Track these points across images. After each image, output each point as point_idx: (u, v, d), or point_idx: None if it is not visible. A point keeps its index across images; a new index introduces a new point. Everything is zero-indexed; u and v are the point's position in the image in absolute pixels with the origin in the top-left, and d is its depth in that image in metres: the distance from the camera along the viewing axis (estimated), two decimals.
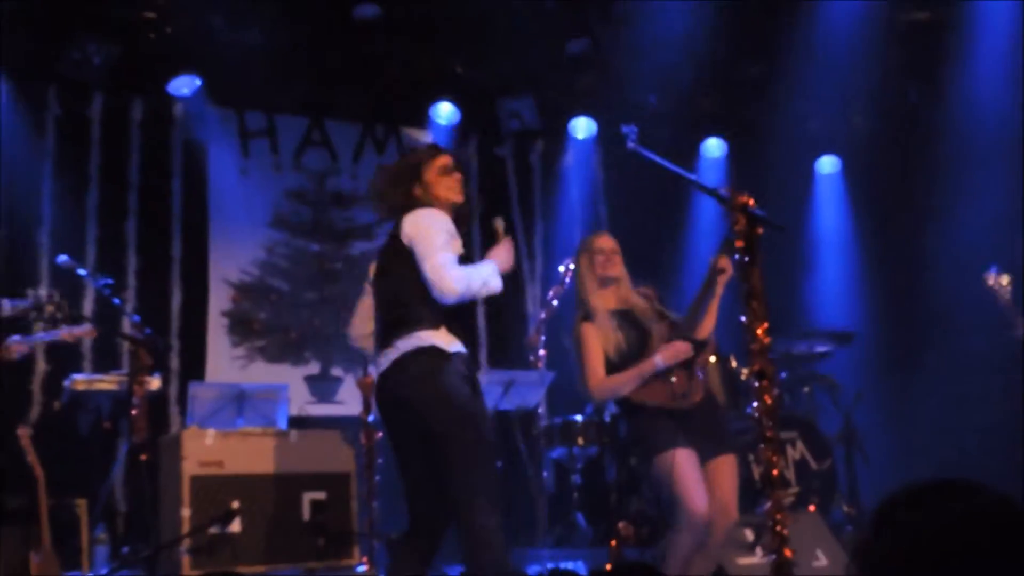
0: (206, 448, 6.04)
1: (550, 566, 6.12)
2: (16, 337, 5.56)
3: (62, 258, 6.10)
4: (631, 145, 4.01)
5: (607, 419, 6.98)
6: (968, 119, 8.14)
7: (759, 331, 3.45)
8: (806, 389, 7.67)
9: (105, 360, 7.42)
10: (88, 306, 7.49)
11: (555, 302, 5.88)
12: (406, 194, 4.11)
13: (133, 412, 5.70)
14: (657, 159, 3.99)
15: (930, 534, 1.48)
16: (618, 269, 4.86)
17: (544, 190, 9.45)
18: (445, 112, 8.77)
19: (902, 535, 1.52)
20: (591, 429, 7.08)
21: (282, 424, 6.77)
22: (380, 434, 6.02)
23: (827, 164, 9.83)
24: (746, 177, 8.75)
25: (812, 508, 6.33)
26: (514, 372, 7.14)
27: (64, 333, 6.10)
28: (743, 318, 3.49)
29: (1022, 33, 7.82)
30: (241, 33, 7.63)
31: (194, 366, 8.05)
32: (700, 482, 4.45)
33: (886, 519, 1.58)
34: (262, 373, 8.30)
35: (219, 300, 8.37)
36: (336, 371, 8.62)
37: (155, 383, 6.55)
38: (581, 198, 9.46)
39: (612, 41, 8.20)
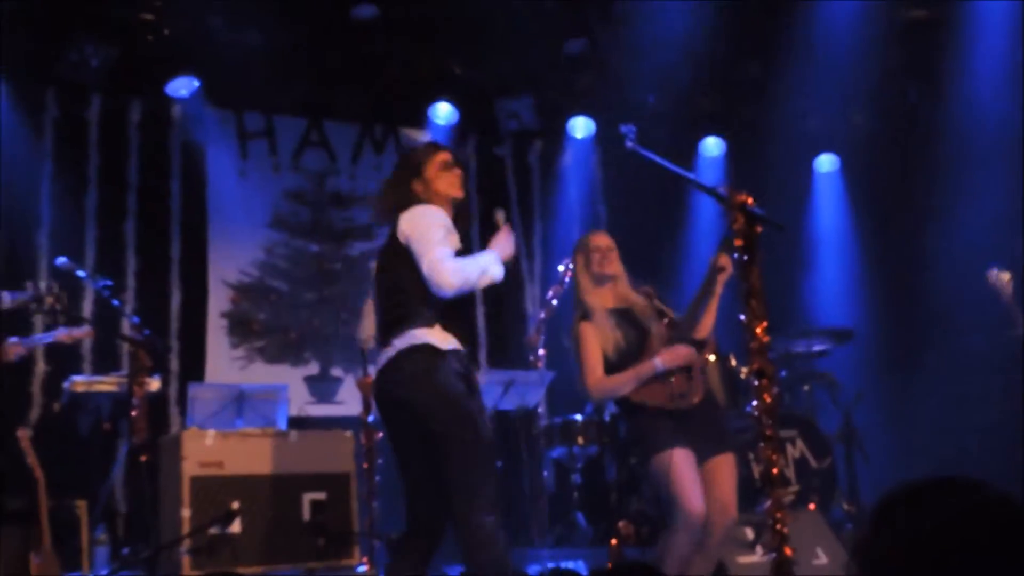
0: (206, 449, 6.04)
1: (550, 565, 6.12)
2: (14, 339, 5.56)
3: (61, 260, 6.10)
4: (630, 144, 4.01)
5: (607, 418, 6.99)
6: (967, 117, 8.14)
7: (758, 330, 3.45)
8: (806, 387, 7.67)
9: (105, 361, 7.41)
10: (87, 307, 7.49)
11: (554, 302, 5.89)
12: (406, 191, 4.11)
13: (133, 413, 5.70)
14: (656, 158, 3.99)
15: (930, 532, 1.48)
16: (615, 266, 4.85)
17: (543, 190, 9.45)
18: (443, 112, 8.77)
19: (902, 533, 1.52)
20: (591, 428, 7.08)
21: (282, 424, 6.77)
22: (380, 434, 6.03)
23: (826, 162, 9.83)
24: (745, 176, 8.75)
25: (812, 506, 6.34)
26: (514, 372, 7.14)
27: (61, 334, 6.10)
28: (742, 316, 3.49)
29: (1021, 31, 7.83)
30: (239, 34, 7.63)
31: (194, 367, 8.05)
32: (696, 482, 4.45)
33: (885, 517, 1.58)
34: (261, 374, 8.30)
35: (218, 301, 8.37)
36: (336, 371, 8.62)
37: (155, 384, 6.55)
38: (580, 198, 9.46)
39: (610, 41, 8.20)
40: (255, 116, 8.72)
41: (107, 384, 6.63)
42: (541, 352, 6.40)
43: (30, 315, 5.74)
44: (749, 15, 8.02)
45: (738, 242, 3.49)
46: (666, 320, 4.79)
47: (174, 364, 7.94)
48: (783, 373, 7.60)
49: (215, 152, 8.50)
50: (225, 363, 8.27)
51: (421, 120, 8.84)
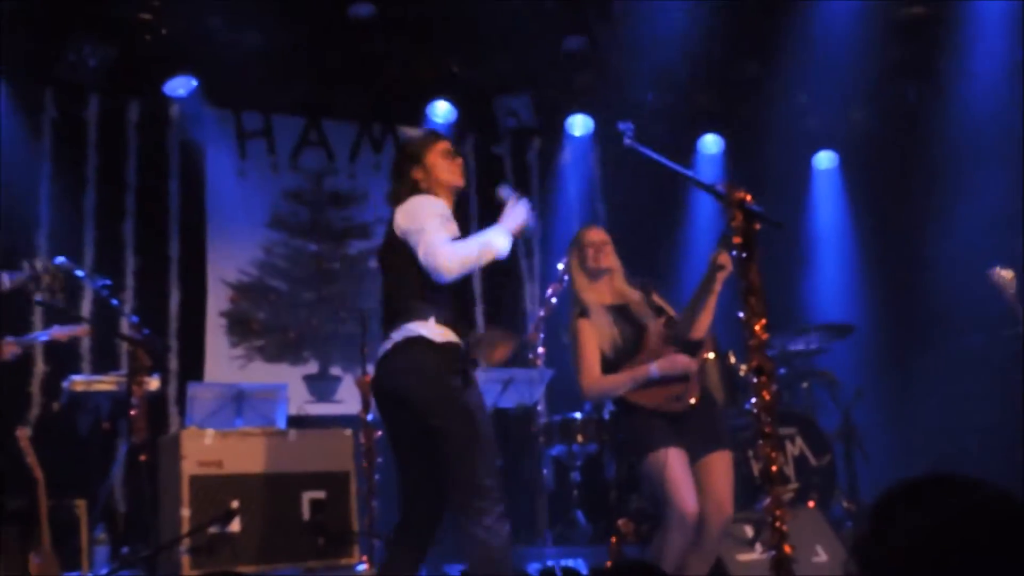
0: (205, 448, 6.04)
1: (550, 563, 6.12)
2: (9, 338, 5.56)
3: (60, 260, 6.09)
4: (628, 142, 4.01)
5: (606, 416, 6.99)
6: (966, 115, 8.14)
7: (757, 327, 3.45)
8: (805, 385, 7.67)
9: (104, 361, 7.42)
10: (86, 307, 7.49)
11: (554, 300, 5.88)
12: (407, 179, 4.11)
13: (132, 412, 5.70)
14: (654, 156, 3.99)
15: (930, 530, 1.47)
16: (610, 260, 4.84)
17: (542, 188, 9.45)
18: (442, 111, 8.77)
19: (901, 531, 1.52)
20: (590, 426, 7.09)
21: (281, 424, 6.77)
22: (379, 433, 6.03)
23: (825, 160, 9.83)
24: (743, 173, 8.75)
25: (811, 504, 6.34)
26: (513, 370, 7.14)
27: (57, 333, 6.10)
28: (741, 314, 3.49)
29: (1020, 29, 7.83)
30: (237, 34, 7.63)
31: (193, 366, 8.05)
32: (689, 482, 4.44)
33: (885, 515, 1.58)
34: (261, 373, 8.30)
35: (217, 300, 8.37)
36: (335, 370, 8.62)
37: (154, 383, 6.55)
38: (579, 196, 9.46)
39: (609, 39, 8.20)
40: (253, 115, 8.72)
41: (106, 383, 6.63)
42: (540, 350, 6.39)
43: (30, 295, 5.71)
44: (748, 13, 8.02)
45: (737, 239, 3.49)
46: (664, 317, 4.79)
47: (173, 363, 7.94)
48: (782, 371, 7.60)
49: (214, 152, 8.50)
50: (224, 362, 8.27)
51: (419, 119, 8.84)
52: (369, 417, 6.17)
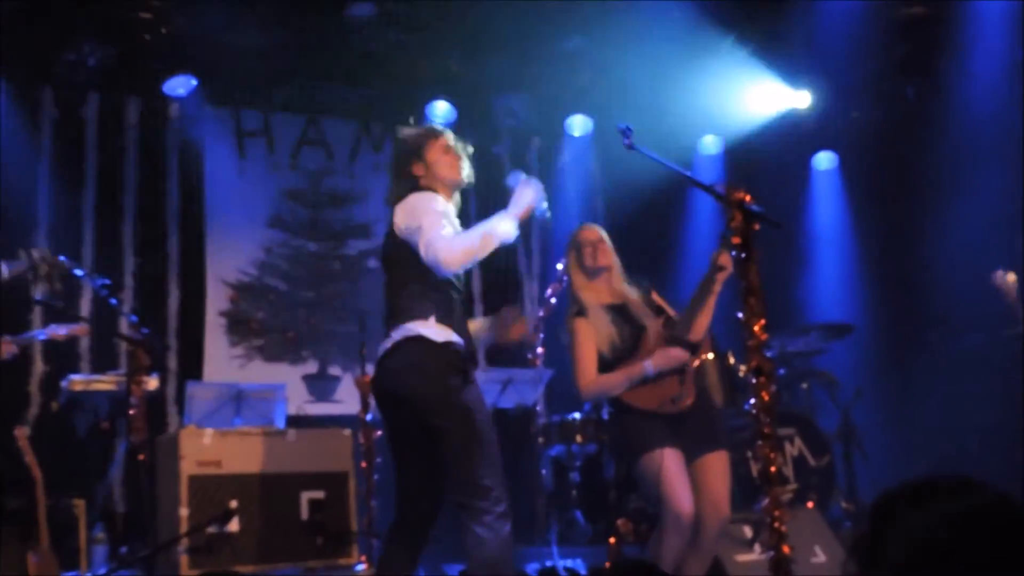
0: (204, 448, 6.04)
1: (549, 564, 6.12)
2: (7, 337, 5.56)
3: (59, 259, 6.09)
4: (628, 142, 4.00)
5: (605, 417, 6.98)
6: (966, 115, 8.13)
7: (756, 327, 3.45)
8: (804, 385, 7.66)
9: (103, 360, 7.42)
10: (85, 306, 7.49)
11: (553, 300, 5.89)
12: (407, 174, 4.08)
13: (131, 412, 5.69)
14: (654, 156, 3.98)
15: (930, 531, 1.47)
16: (607, 258, 4.82)
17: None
18: (441, 110, 8.76)
19: (901, 532, 1.52)
20: (589, 427, 7.08)
21: (280, 423, 6.76)
22: (378, 433, 6.03)
23: (824, 160, 9.83)
24: (742, 174, 8.74)
25: (810, 504, 6.33)
26: (512, 370, 7.14)
27: (54, 332, 6.09)
28: (740, 314, 3.49)
29: (1019, 29, 7.82)
30: (237, 33, 7.62)
31: (192, 366, 8.05)
32: (684, 482, 4.43)
33: (885, 515, 1.58)
34: (260, 372, 8.30)
35: (216, 300, 8.37)
36: (334, 370, 8.62)
37: (153, 383, 6.55)
38: (578, 196, 9.46)
39: (608, 37, 8.18)
40: (253, 115, 8.72)
41: (105, 383, 6.63)
42: (540, 350, 6.40)
43: (29, 288, 5.71)
44: (747, 11, 8.01)
45: (736, 240, 3.49)
46: (663, 317, 4.78)
47: (172, 363, 7.95)
48: (781, 371, 7.59)
49: (213, 151, 8.50)
50: (223, 362, 8.27)
51: (418, 118, 8.83)
52: (368, 417, 6.17)
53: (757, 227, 3.50)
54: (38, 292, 7.01)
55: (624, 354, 4.64)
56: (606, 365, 4.64)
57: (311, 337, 8.64)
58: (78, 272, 6.14)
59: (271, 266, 8.63)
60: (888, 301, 8.92)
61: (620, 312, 4.73)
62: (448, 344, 3.84)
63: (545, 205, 4.06)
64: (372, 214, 8.84)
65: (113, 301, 6.31)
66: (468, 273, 4.13)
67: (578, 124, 9.30)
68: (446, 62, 8.49)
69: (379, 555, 4.05)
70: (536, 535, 7.08)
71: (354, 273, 8.89)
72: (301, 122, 8.91)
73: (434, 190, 4.03)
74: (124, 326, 6.95)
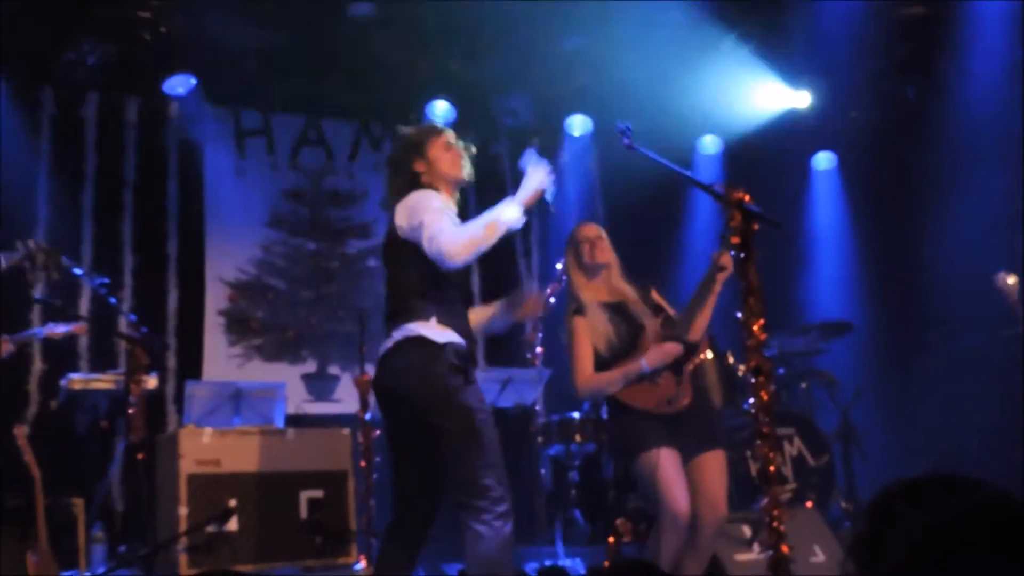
0: (203, 447, 6.04)
1: (548, 563, 6.12)
2: (5, 336, 5.55)
3: (61, 264, 6.08)
4: (627, 142, 4.00)
5: (604, 416, 6.98)
6: (965, 115, 8.14)
7: (755, 327, 3.45)
8: (804, 385, 7.67)
9: (102, 359, 7.42)
10: (84, 305, 7.49)
11: (552, 299, 5.87)
12: (408, 171, 4.06)
13: (130, 411, 5.69)
14: (653, 156, 3.98)
15: (929, 529, 1.47)
16: (606, 255, 4.82)
17: None
18: (441, 110, 8.76)
19: (901, 530, 1.51)
20: (588, 426, 7.09)
21: (279, 422, 6.76)
22: (377, 432, 6.03)
23: (823, 160, 9.83)
24: (742, 173, 8.74)
25: (809, 504, 6.34)
26: (511, 369, 7.15)
27: (51, 331, 6.08)
28: (740, 314, 3.49)
29: (1019, 29, 7.82)
30: (236, 32, 7.62)
31: (191, 365, 8.05)
32: (682, 482, 4.43)
33: (884, 514, 1.57)
34: (259, 372, 8.30)
35: (216, 299, 8.37)
36: (333, 369, 8.62)
37: (152, 382, 6.55)
38: (578, 195, 9.45)
39: (607, 37, 8.18)
40: (253, 114, 8.72)
41: (104, 382, 6.63)
42: (539, 350, 6.39)
43: (27, 276, 5.69)
44: (747, 11, 8.01)
45: (735, 239, 3.49)
46: (661, 316, 4.77)
47: (171, 362, 7.94)
48: (781, 371, 7.60)
49: (212, 150, 8.50)
50: (222, 361, 8.27)
51: (418, 118, 8.83)
52: (367, 416, 6.16)
53: (756, 227, 3.49)
54: (37, 290, 7.02)
55: (622, 353, 4.64)
56: (603, 364, 4.64)
57: (310, 336, 8.64)
58: (77, 271, 6.14)
59: (270, 265, 8.63)
60: (887, 301, 8.93)
61: (618, 310, 4.72)
62: (449, 345, 3.82)
63: (553, 189, 4.00)
64: (371, 213, 8.84)
65: (112, 300, 6.31)
66: (467, 272, 4.12)
67: (578, 124, 9.29)
68: (446, 62, 8.49)
69: (377, 555, 4.05)
70: (536, 534, 7.08)
71: (353, 272, 8.89)
72: (301, 122, 8.92)
73: (435, 188, 4.01)
74: (123, 325, 6.95)
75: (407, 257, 3.89)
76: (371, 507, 6.05)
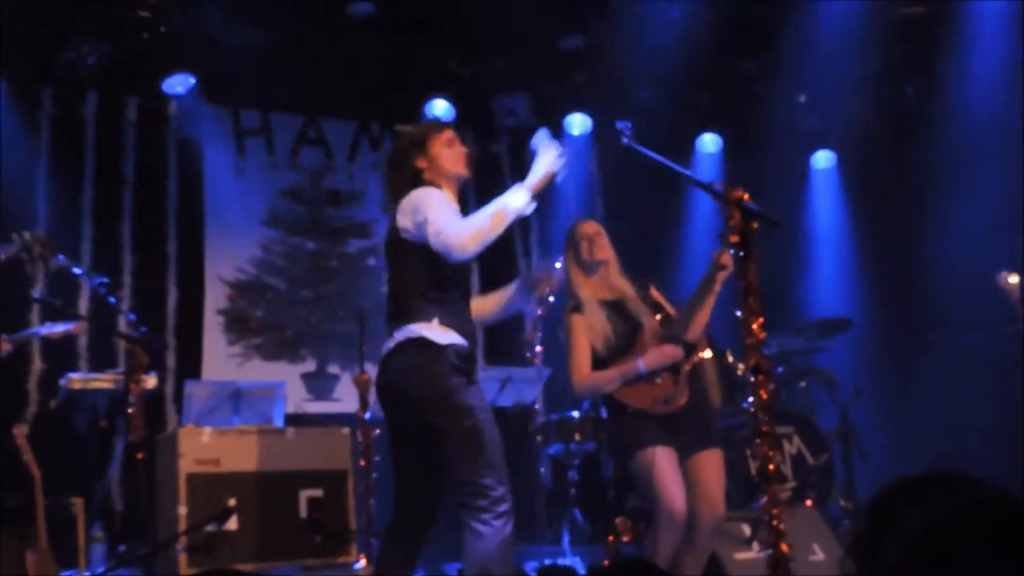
0: (202, 446, 6.04)
1: (547, 562, 6.12)
2: (3, 335, 5.55)
3: (57, 257, 6.08)
4: (626, 141, 3.99)
5: (604, 415, 6.98)
6: (965, 114, 8.14)
7: (755, 326, 3.45)
8: (803, 384, 7.67)
9: (101, 359, 7.42)
10: (84, 305, 7.49)
11: (551, 298, 5.87)
12: (409, 167, 4.03)
13: (129, 410, 5.69)
14: (652, 155, 3.98)
15: (929, 528, 1.47)
16: (604, 252, 4.81)
17: None
18: (440, 109, 8.76)
19: (900, 529, 1.51)
20: (588, 425, 7.08)
21: (279, 422, 6.76)
22: (377, 431, 6.03)
23: (823, 159, 9.83)
24: (742, 172, 8.74)
25: (809, 503, 6.34)
26: (511, 368, 7.14)
27: (48, 330, 6.08)
28: (739, 313, 3.49)
29: (1019, 29, 7.82)
30: (236, 32, 7.62)
31: (190, 364, 8.05)
32: (678, 480, 4.43)
33: (884, 512, 1.57)
34: (258, 371, 8.30)
35: (215, 298, 8.37)
36: (333, 368, 8.62)
37: (151, 381, 6.54)
38: (577, 194, 9.45)
39: (607, 36, 8.19)
40: (252, 114, 8.73)
41: (103, 381, 6.62)
42: (538, 349, 6.39)
43: (23, 266, 5.69)
44: (746, 11, 8.01)
45: (734, 238, 3.49)
46: (660, 315, 4.77)
47: (171, 361, 7.94)
48: (780, 369, 7.60)
49: (212, 150, 8.50)
50: (222, 360, 8.27)
51: (417, 117, 8.83)
52: (367, 415, 6.16)
53: (756, 226, 3.50)
54: (37, 290, 7.03)
55: (619, 351, 4.64)
56: (601, 362, 4.64)
57: (310, 336, 8.64)
58: (76, 270, 6.14)
59: (270, 265, 8.63)
60: (887, 300, 8.93)
61: (616, 308, 4.72)
62: (451, 346, 3.81)
63: (564, 172, 3.93)
64: (371, 213, 8.84)
65: (111, 299, 6.30)
66: (468, 272, 4.12)
67: (577, 123, 9.29)
68: (444, 61, 8.49)
69: (378, 554, 4.04)
70: (535, 533, 7.08)
71: (353, 272, 8.89)
72: (300, 121, 8.92)
73: (436, 185, 3.99)
74: (122, 324, 6.95)
75: (408, 257, 3.89)
76: (371, 506, 6.05)
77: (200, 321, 8.26)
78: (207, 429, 6.15)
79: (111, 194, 8.04)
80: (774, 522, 3.35)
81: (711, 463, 4.58)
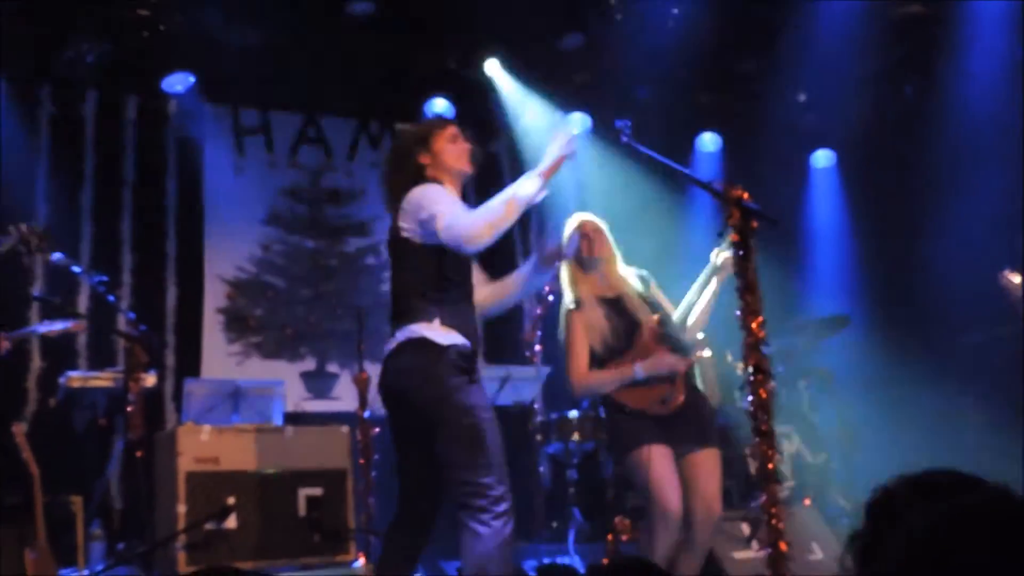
0: (201, 444, 6.04)
1: (546, 561, 6.12)
2: (2, 333, 5.55)
3: (57, 256, 6.08)
4: (625, 140, 3.99)
5: (602, 414, 6.98)
6: (964, 114, 8.14)
7: (754, 325, 3.45)
8: (802, 383, 7.67)
9: (100, 357, 7.41)
10: (83, 303, 7.48)
11: (550, 297, 5.87)
12: (412, 164, 4.01)
13: (128, 409, 5.69)
14: (652, 153, 3.98)
15: (929, 527, 1.46)
16: (604, 249, 4.81)
17: None
18: (439, 108, 8.76)
19: (900, 528, 1.51)
20: (587, 424, 7.08)
21: (278, 420, 6.77)
22: (376, 430, 6.02)
23: (822, 158, 9.83)
24: (741, 171, 8.74)
25: (807, 502, 6.34)
26: (510, 367, 7.14)
27: (45, 328, 6.08)
28: (738, 312, 3.49)
29: (1018, 29, 7.82)
30: (235, 30, 7.62)
31: (189, 363, 8.04)
32: (672, 480, 4.43)
33: (883, 511, 1.57)
34: (258, 369, 8.29)
35: (214, 297, 8.36)
36: (332, 367, 8.61)
37: (150, 380, 6.54)
38: (576, 193, 9.43)
39: (606, 35, 8.18)
40: (251, 112, 8.72)
41: (103, 380, 6.62)
42: (537, 348, 6.39)
43: (21, 258, 5.67)
44: (746, 10, 8.01)
45: (734, 237, 3.49)
46: (659, 314, 4.76)
47: (170, 360, 7.94)
48: (779, 368, 7.59)
49: (211, 148, 8.49)
50: (221, 359, 8.26)
51: (417, 115, 8.82)
52: (366, 414, 6.16)
53: (755, 225, 3.50)
54: (36, 288, 7.03)
55: (616, 350, 4.63)
56: (598, 360, 4.64)
57: (309, 334, 8.63)
58: (76, 269, 6.14)
59: (269, 263, 8.63)
60: (887, 300, 8.93)
61: (615, 306, 4.71)
62: (452, 347, 3.81)
63: (576, 157, 3.88)
64: (370, 211, 8.84)
65: (111, 298, 6.31)
66: (468, 271, 4.11)
67: (576, 121, 9.28)
68: (444, 59, 8.49)
69: (379, 554, 4.04)
70: (534, 533, 7.08)
71: (352, 270, 8.89)
72: (300, 120, 8.91)
73: (438, 181, 3.98)
74: (122, 323, 6.96)
75: (409, 257, 3.89)
76: (370, 505, 6.04)
77: (199, 319, 8.26)
78: (206, 427, 6.15)
79: (110, 193, 8.04)
80: (773, 521, 3.36)
81: (707, 463, 4.58)
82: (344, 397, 8.33)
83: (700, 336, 4.82)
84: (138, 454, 5.66)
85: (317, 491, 6.23)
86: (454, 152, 4.05)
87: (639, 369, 4.53)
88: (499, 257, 8.04)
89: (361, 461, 6.15)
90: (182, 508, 5.85)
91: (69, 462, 6.61)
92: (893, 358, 8.60)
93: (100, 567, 5.99)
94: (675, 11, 7.82)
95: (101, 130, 8.09)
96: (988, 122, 7.87)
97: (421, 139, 4.06)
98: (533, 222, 9.33)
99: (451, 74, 8.58)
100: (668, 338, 4.67)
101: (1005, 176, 7.65)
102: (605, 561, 5.62)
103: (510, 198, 3.76)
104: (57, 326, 6.04)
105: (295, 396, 8.16)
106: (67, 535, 5.93)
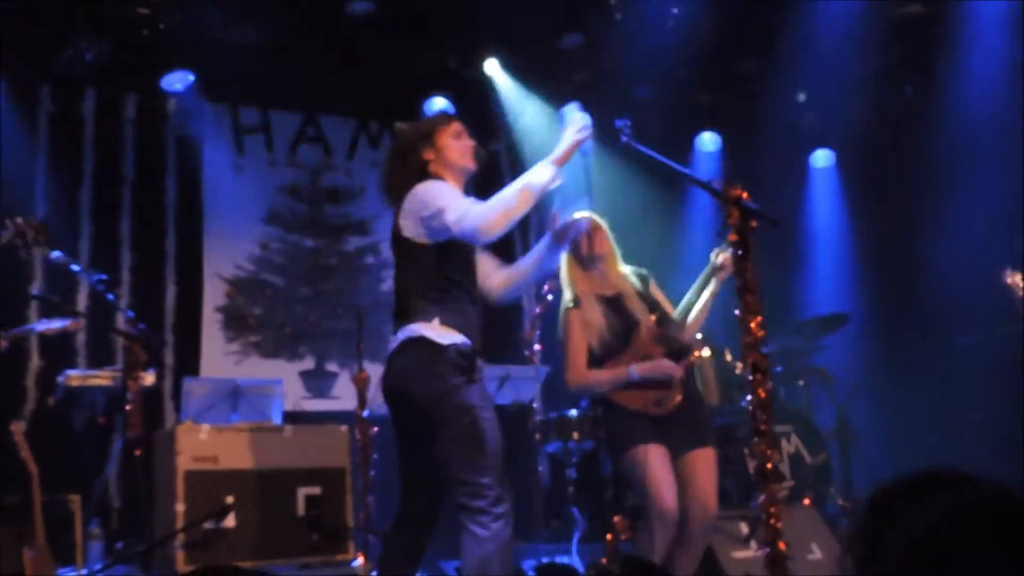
0: (200, 443, 6.04)
1: (545, 560, 6.12)
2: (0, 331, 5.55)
3: (56, 254, 6.07)
4: (625, 139, 3.99)
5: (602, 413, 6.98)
6: (964, 114, 8.14)
7: (753, 324, 3.45)
8: (801, 383, 7.67)
9: (99, 356, 7.41)
10: (82, 301, 7.48)
11: (550, 296, 5.87)
12: (416, 160, 4.00)
13: (127, 407, 5.68)
14: (651, 153, 3.98)
15: (928, 526, 1.46)
16: (604, 246, 4.81)
17: None
18: (439, 107, 8.75)
19: (900, 527, 1.51)
20: (586, 423, 7.07)
21: (277, 419, 6.76)
22: (375, 429, 6.02)
23: (822, 158, 9.83)
24: (740, 171, 8.74)
25: (807, 501, 6.34)
26: (509, 367, 7.13)
27: (43, 327, 6.08)
28: (737, 311, 3.49)
29: (1018, 29, 7.82)
30: (235, 29, 7.61)
31: (188, 361, 8.04)
32: (668, 479, 4.43)
33: (883, 510, 1.57)
34: (257, 368, 8.29)
35: (213, 296, 8.36)
36: (331, 366, 8.61)
37: (149, 379, 6.53)
38: (576, 192, 9.42)
39: (606, 35, 8.18)
40: (251, 111, 8.71)
41: (102, 378, 6.61)
42: (536, 347, 6.39)
43: (18, 252, 5.66)
44: (746, 9, 8.01)
45: (733, 237, 3.49)
46: (657, 313, 4.76)
47: (169, 358, 7.94)
48: (778, 368, 7.60)
49: (210, 147, 8.49)
50: (220, 358, 8.26)
51: (417, 114, 8.82)
52: (365, 413, 6.15)
53: (754, 224, 3.49)
54: (35, 287, 7.02)
55: (614, 349, 4.63)
56: (595, 359, 4.64)
57: (308, 333, 8.63)
58: (75, 267, 6.13)
59: (268, 262, 8.62)
60: (886, 299, 8.93)
61: (614, 305, 4.71)
62: (452, 347, 3.80)
63: (591, 144, 3.89)
64: (370, 210, 8.84)
65: (110, 296, 6.30)
66: (469, 272, 4.09)
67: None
68: (444, 58, 8.49)
69: (380, 553, 4.04)
70: (532, 532, 7.07)
71: (352, 269, 8.89)
72: (299, 118, 8.91)
73: (441, 177, 3.96)
74: (121, 321, 6.95)
75: (409, 256, 3.88)
76: (369, 504, 6.04)
77: (198, 318, 8.26)
78: (205, 426, 6.15)
79: (110, 191, 8.03)
80: (772, 520, 3.35)
81: (704, 462, 4.58)
82: (343, 396, 8.32)
83: (698, 336, 4.82)
84: (137, 453, 5.65)
85: (316, 490, 6.23)
86: (458, 148, 4.04)
87: (634, 371, 4.54)
88: (499, 258, 8.06)
89: (360, 460, 6.14)
90: (181, 507, 5.85)
91: (68, 461, 6.60)
92: (893, 358, 8.61)
93: (99, 566, 5.99)
94: (675, 11, 7.81)
95: (100, 129, 8.08)
96: (988, 122, 7.87)
97: (425, 135, 4.05)
98: (533, 223, 9.34)
99: (451, 73, 8.57)
100: (666, 338, 4.67)
101: (1005, 176, 7.65)
102: (604, 560, 5.62)
103: (524, 186, 3.75)
104: (56, 324, 6.04)
105: (294, 395, 8.16)
106: (66, 534, 5.93)
